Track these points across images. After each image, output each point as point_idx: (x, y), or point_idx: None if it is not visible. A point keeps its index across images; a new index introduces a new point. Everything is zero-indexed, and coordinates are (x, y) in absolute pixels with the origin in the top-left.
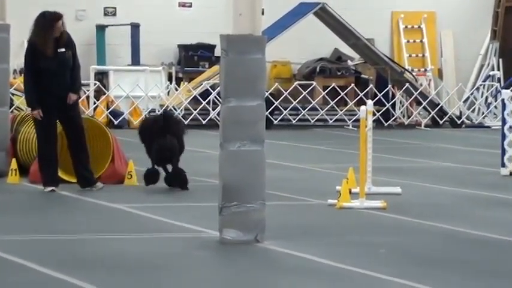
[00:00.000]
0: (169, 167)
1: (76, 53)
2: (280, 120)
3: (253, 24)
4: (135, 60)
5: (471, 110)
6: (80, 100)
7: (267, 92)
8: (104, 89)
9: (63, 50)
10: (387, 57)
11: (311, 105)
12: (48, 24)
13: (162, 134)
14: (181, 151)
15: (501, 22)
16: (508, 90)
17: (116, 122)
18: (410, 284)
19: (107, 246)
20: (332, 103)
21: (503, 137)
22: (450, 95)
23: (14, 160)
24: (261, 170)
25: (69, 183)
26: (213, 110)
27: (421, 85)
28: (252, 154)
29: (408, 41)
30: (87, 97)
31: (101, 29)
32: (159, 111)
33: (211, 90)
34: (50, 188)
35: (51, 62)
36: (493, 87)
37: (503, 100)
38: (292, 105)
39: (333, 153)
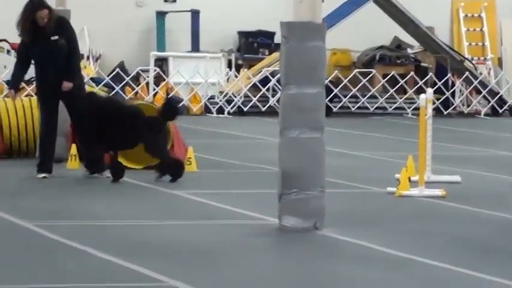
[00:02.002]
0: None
1: (73, 39)
2: (339, 108)
3: (314, 11)
4: (195, 46)
5: None
6: (140, 86)
7: (327, 79)
8: (163, 75)
9: (55, 37)
10: (447, 45)
11: (370, 93)
12: (28, 12)
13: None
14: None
15: None
16: None
17: None
18: (469, 273)
19: (165, 232)
20: (391, 91)
21: None
22: (510, 84)
23: (73, 146)
24: (321, 158)
25: (130, 170)
26: (273, 97)
27: (481, 74)
28: (311, 141)
29: (468, 30)
30: (147, 83)
31: (161, 15)
32: (218, 98)
33: (271, 77)
34: (42, 175)
35: (43, 49)
36: None
37: None
38: (351, 93)
39: (392, 141)
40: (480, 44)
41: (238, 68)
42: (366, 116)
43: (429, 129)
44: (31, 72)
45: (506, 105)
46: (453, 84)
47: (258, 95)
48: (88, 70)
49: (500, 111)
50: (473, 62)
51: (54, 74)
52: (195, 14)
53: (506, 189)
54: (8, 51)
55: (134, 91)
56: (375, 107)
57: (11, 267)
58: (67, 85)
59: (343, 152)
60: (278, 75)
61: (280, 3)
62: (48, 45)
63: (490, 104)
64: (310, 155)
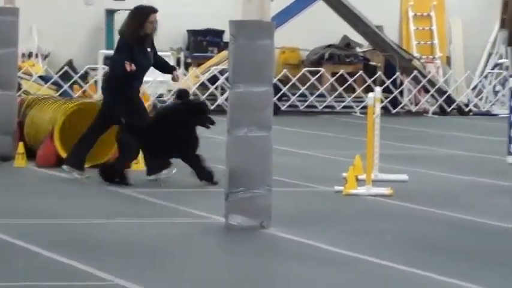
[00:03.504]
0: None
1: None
2: (288, 107)
3: (262, 10)
4: None
5: (479, 98)
6: (88, 85)
7: (275, 78)
8: None
9: (149, 49)
10: (396, 44)
11: (319, 91)
12: (140, 17)
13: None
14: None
15: (510, 10)
16: None
17: None
18: (415, 271)
19: (113, 231)
20: (340, 90)
21: (511, 125)
22: (458, 83)
23: (21, 144)
24: (268, 156)
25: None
26: (221, 95)
27: (429, 72)
28: (259, 140)
29: (417, 29)
30: (95, 82)
31: (110, 13)
32: (167, 96)
33: (220, 76)
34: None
35: (141, 60)
36: (501, 75)
37: (511, 88)
38: (300, 91)
39: (340, 139)
40: (429, 42)
41: (187, 67)
42: (314, 115)
43: (377, 128)
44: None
45: (454, 104)
46: (401, 83)
47: (207, 94)
48: (36, 68)
49: (448, 110)
50: (422, 60)
51: (137, 87)
52: None
53: (453, 188)
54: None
55: (82, 89)
56: (323, 105)
57: None
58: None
59: (291, 151)
60: (227, 74)
61: (229, 2)
62: (145, 56)
63: (438, 103)
64: (258, 154)
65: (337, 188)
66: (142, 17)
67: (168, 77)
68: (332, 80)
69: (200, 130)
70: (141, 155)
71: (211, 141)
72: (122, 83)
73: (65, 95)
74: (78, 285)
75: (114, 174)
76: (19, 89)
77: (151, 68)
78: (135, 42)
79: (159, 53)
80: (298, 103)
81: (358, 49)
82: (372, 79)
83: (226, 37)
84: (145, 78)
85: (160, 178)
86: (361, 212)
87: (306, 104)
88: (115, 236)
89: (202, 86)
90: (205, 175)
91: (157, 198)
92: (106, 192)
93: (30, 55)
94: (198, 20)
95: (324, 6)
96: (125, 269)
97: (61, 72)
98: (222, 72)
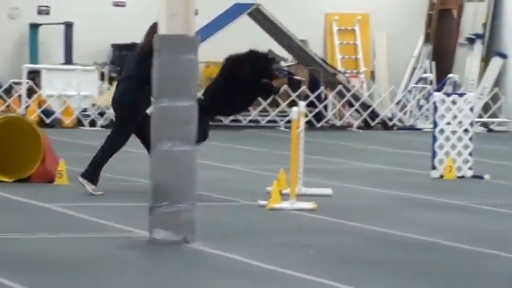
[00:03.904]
0: None
1: None
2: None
3: (187, 24)
4: (68, 59)
5: (403, 112)
6: (12, 99)
7: (200, 92)
8: (36, 87)
9: None
10: (320, 58)
11: None
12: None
13: None
14: None
15: (434, 25)
16: (440, 93)
17: (47, 121)
18: (338, 285)
19: (34, 245)
20: (264, 104)
21: (434, 139)
22: (382, 97)
23: None
24: (192, 171)
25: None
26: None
27: (354, 87)
28: (183, 154)
29: (341, 43)
30: (19, 96)
31: (34, 27)
32: (91, 110)
33: None
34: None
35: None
36: (425, 89)
37: (435, 103)
38: None
39: (264, 154)
40: (353, 57)
41: (111, 81)
42: (238, 129)
43: (301, 142)
44: None
45: (379, 118)
46: (326, 97)
47: None
48: None
49: (373, 124)
50: (347, 75)
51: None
52: (68, 27)
53: (377, 202)
54: None
55: (6, 104)
56: (247, 119)
57: None
58: None
59: (215, 165)
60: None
61: (154, 16)
62: None
63: (363, 117)
64: (182, 168)
65: (261, 202)
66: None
67: (93, 91)
68: None
69: (126, 145)
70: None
71: (132, 155)
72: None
73: None
74: None
75: None
76: None
77: (75, 83)
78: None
79: (82, 68)
80: (222, 117)
81: (282, 63)
82: (296, 93)
83: None
84: (70, 93)
85: None
86: (285, 226)
87: (231, 118)
88: (37, 251)
89: None
90: None
91: (80, 212)
92: (28, 207)
93: None
94: (122, 34)
95: (249, 20)
96: (46, 284)
97: None
98: None
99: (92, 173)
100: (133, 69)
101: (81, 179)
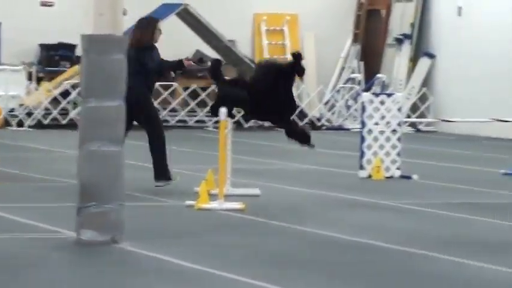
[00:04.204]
0: None
1: None
2: None
3: (115, 24)
4: None
5: (331, 112)
6: None
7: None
8: None
9: None
10: (249, 58)
11: (171, 106)
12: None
13: None
14: None
15: (362, 25)
16: (368, 93)
17: None
18: (267, 286)
19: None
20: (193, 104)
21: (362, 139)
22: (311, 98)
23: None
24: (120, 171)
25: None
26: (73, 109)
27: None
28: (111, 154)
29: (270, 43)
30: None
31: None
32: (18, 110)
33: (72, 90)
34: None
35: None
36: (353, 90)
37: (363, 103)
38: None
39: (192, 154)
40: (282, 57)
41: (39, 81)
42: (167, 129)
43: (229, 142)
44: None
45: (307, 118)
46: None
47: (59, 108)
48: None
49: (301, 124)
50: None
51: None
52: None
53: (305, 202)
54: None
55: None
56: (175, 120)
57: None
58: None
59: (143, 166)
60: (79, 88)
61: (82, 16)
62: None
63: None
64: (110, 168)
65: (189, 202)
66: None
67: (20, 91)
68: (185, 94)
69: (53, 145)
70: None
71: (63, 155)
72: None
73: None
74: None
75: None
76: None
77: (3, 83)
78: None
79: (10, 67)
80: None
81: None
82: None
83: (79, 51)
84: None
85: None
86: (214, 226)
87: None
88: None
89: (55, 101)
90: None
91: (7, 213)
92: None
93: None
94: (50, 34)
95: (177, 20)
96: None
97: None
98: (74, 86)
99: (162, 172)
100: (135, 67)
101: (159, 183)
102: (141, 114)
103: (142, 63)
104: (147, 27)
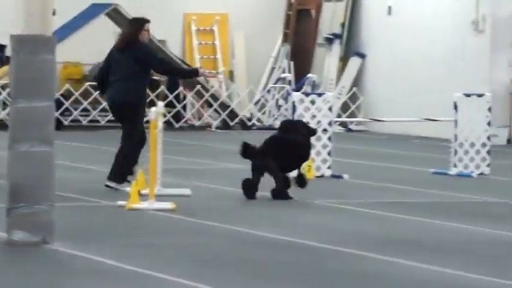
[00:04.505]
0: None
1: None
2: (71, 121)
3: (44, 24)
4: None
5: (262, 112)
6: None
7: (58, 93)
8: None
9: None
10: (179, 58)
11: (102, 106)
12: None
13: None
14: None
15: (292, 25)
16: (298, 93)
17: None
18: (197, 285)
19: None
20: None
21: None
22: (241, 97)
23: None
24: (50, 171)
25: None
26: (3, 110)
27: (213, 87)
28: (41, 155)
29: (200, 43)
30: None
31: None
32: None
33: (1, 91)
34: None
35: None
36: (284, 89)
37: (293, 102)
38: (82, 106)
39: None
40: (212, 57)
41: None
42: (97, 129)
43: (160, 142)
44: None
45: (237, 118)
46: (185, 97)
47: None
48: None
49: (231, 124)
50: (220, 75)
51: None
52: None
53: (236, 202)
54: None
55: None
56: (106, 120)
57: None
58: None
59: (74, 166)
60: (9, 89)
61: (11, 16)
62: None
63: (221, 117)
64: (40, 169)
65: (120, 202)
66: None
67: None
68: (96, 94)
69: None
70: None
71: None
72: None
73: None
74: None
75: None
76: None
77: None
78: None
79: None
80: (80, 118)
81: None
82: (154, 93)
83: (9, 52)
84: None
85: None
86: (144, 226)
87: (89, 118)
88: None
89: None
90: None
91: None
92: None
93: None
94: None
95: (107, 20)
96: None
97: None
98: (3, 87)
99: (118, 175)
100: (129, 68)
101: (110, 184)
102: (131, 114)
103: (142, 62)
104: (135, 26)
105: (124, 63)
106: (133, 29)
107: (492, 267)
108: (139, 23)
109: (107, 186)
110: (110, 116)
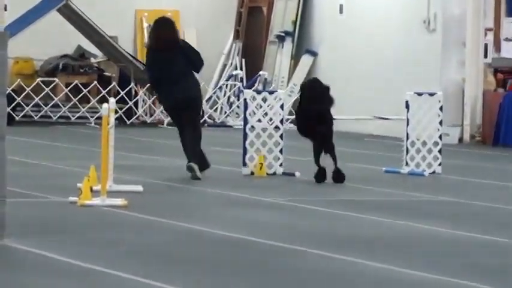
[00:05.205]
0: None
1: None
2: (22, 117)
3: None
4: None
5: (214, 109)
6: None
7: (9, 88)
8: None
9: None
10: (130, 55)
11: (53, 101)
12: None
13: None
14: None
15: (244, 22)
16: (250, 90)
17: None
18: (149, 283)
19: None
20: (74, 100)
21: (245, 136)
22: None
23: None
24: (2, 167)
25: None
26: None
27: None
28: None
29: None
30: None
31: None
32: None
33: None
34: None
35: None
36: (235, 86)
37: (245, 100)
38: (34, 101)
39: (75, 150)
40: None
41: None
42: (49, 125)
43: (112, 138)
44: None
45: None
46: (136, 94)
47: None
48: None
49: None
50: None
51: None
52: None
53: (188, 199)
54: None
55: None
56: (58, 115)
57: None
58: None
59: (25, 161)
60: None
61: None
62: None
63: None
64: None
65: (72, 198)
66: None
67: None
68: (66, 90)
69: None
70: None
71: None
72: None
73: None
74: None
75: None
76: None
77: None
78: None
79: None
80: (32, 113)
81: (92, 59)
82: (106, 90)
83: None
84: None
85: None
86: (96, 223)
87: (41, 114)
88: None
89: None
90: None
91: None
92: None
93: None
94: None
95: (58, 16)
96: None
97: None
98: None
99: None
100: (184, 66)
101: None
102: (200, 105)
103: (192, 61)
104: (173, 26)
105: (176, 61)
106: (172, 28)
107: (436, 265)
108: (173, 23)
109: (198, 178)
110: (62, 112)
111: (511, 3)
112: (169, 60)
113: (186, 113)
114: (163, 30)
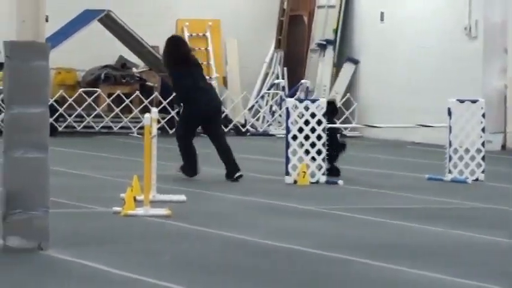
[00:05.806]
0: None
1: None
2: (64, 128)
3: (37, 30)
4: None
5: (256, 118)
6: None
7: (52, 99)
8: None
9: None
10: None
11: (96, 112)
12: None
13: None
14: None
15: (285, 31)
16: (292, 99)
17: None
18: None
19: None
20: (117, 110)
21: (287, 145)
22: (235, 103)
23: None
24: (45, 177)
25: None
26: None
27: None
28: (36, 161)
29: (193, 49)
30: None
31: None
32: None
33: None
34: None
35: None
36: (277, 95)
37: (287, 109)
38: (76, 112)
39: (118, 160)
40: (205, 63)
41: None
42: (91, 136)
43: (154, 148)
44: None
45: (231, 124)
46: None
47: None
48: None
49: (226, 129)
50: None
51: None
52: None
53: (232, 209)
54: None
55: None
56: (100, 126)
57: None
58: None
59: (69, 172)
60: (2, 95)
61: (4, 22)
62: None
63: None
64: (35, 175)
65: (115, 209)
66: None
67: None
68: (109, 100)
69: None
70: None
71: None
72: None
73: None
74: None
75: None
76: None
77: None
78: None
79: None
80: (75, 124)
81: (134, 69)
82: (148, 99)
83: (2, 58)
84: None
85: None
86: (140, 232)
87: (83, 124)
88: None
89: None
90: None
91: None
92: None
93: None
94: None
95: (100, 26)
96: None
97: None
98: None
99: (233, 169)
100: (204, 77)
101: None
102: (221, 118)
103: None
104: (185, 43)
105: (197, 75)
106: (186, 45)
107: (479, 273)
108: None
109: (238, 177)
110: (104, 122)
111: None
112: (197, 73)
113: (214, 123)
114: (184, 47)
